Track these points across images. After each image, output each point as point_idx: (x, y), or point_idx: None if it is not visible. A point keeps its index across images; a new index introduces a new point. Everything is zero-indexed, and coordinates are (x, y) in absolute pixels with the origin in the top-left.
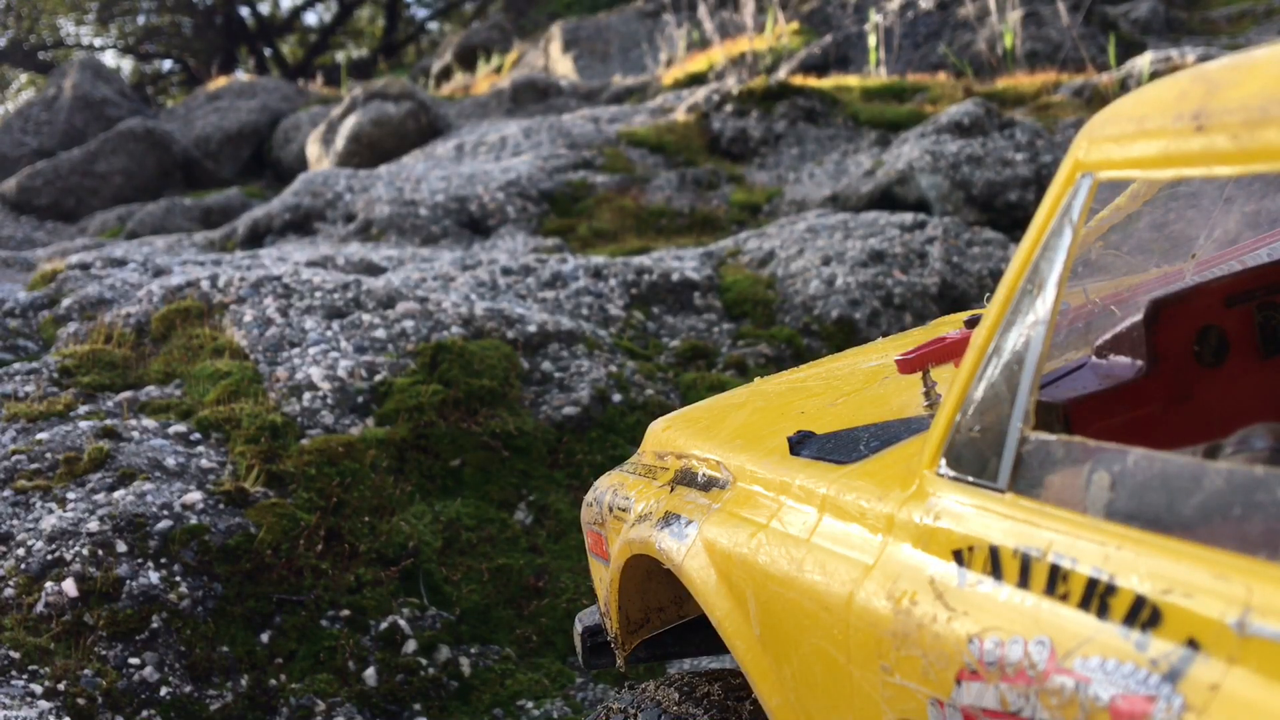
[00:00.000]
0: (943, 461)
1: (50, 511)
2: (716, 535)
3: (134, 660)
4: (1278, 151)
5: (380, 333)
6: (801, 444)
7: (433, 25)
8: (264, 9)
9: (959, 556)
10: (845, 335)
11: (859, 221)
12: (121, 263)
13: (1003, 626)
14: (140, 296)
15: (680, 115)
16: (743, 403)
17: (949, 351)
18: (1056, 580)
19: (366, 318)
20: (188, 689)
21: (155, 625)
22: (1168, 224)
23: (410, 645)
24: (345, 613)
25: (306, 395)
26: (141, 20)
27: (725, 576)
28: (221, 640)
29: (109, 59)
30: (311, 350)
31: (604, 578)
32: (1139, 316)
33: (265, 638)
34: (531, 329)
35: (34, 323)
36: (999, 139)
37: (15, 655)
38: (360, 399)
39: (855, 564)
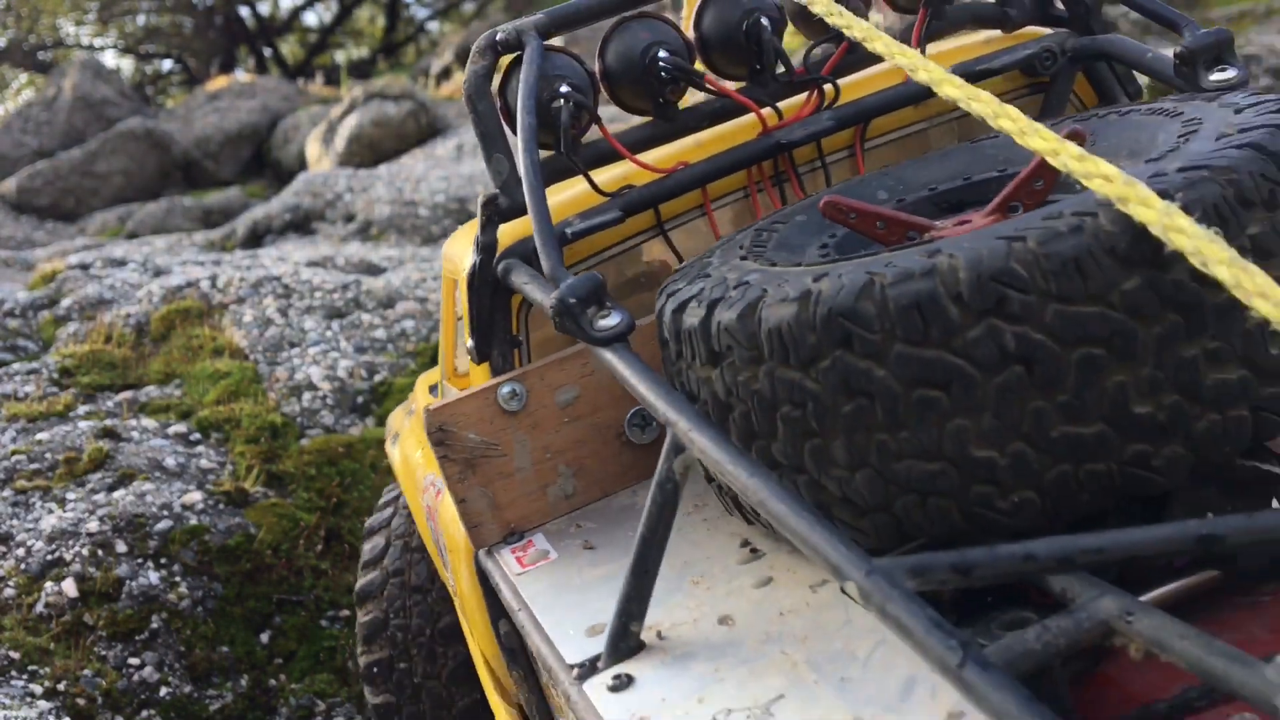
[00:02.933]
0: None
1: (50, 512)
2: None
3: (134, 660)
4: None
5: (380, 333)
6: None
7: (432, 25)
8: (264, 9)
9: None
10: None
11: None
12: (121, 263)
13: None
14: (140, 296)
15: None
16: None
17: None
18: None
19: (366, 318)
20: (187, 689)
21: (155, 625)
22: None
23: None
24: (345, 613)
25: (306, 395)
26: (141, 20)
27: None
28: (221, 640)
29: (109, 59)
30: (311, 350)
31: None
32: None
33: (265, 638)
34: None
35: (34, 323)
36: None
37: (15, 655)
38: (360, 399)
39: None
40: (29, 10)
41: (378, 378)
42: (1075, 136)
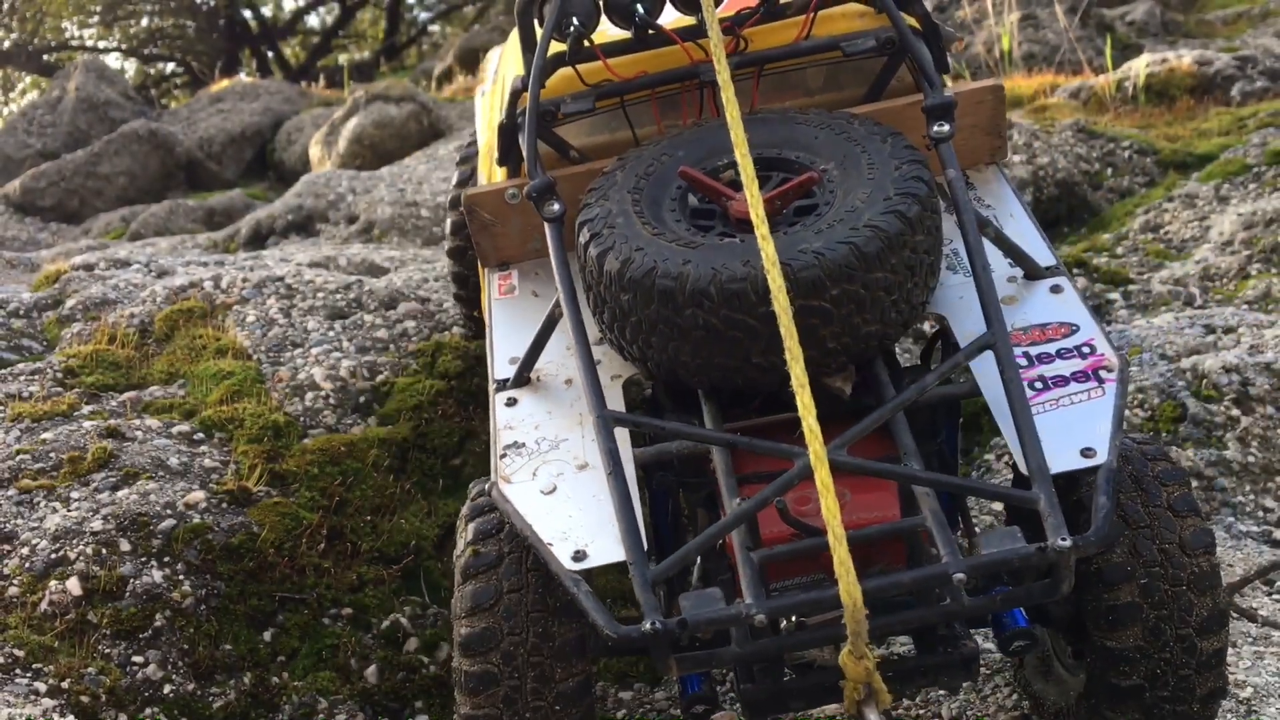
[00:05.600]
0: None
1: (54, 511)
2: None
3: (137, 659)
4: None
5: (382, 333)
6: None
7: (434, 28)
8: (266, 11)
9: None
10: None
11: None
12: (125, 263)
13: None
14: (144, 297)
15: None
16: None
17: None
18: None
19: (369, 318)
20: (190, 687)
21: (158, 624)
22: None
23: (412, 643)
24: (347, 611)
25: (309, 395)
26: (145, 23)
27: None
28: (224, 639)
29: (112, 61)
30: (314, 350)
31: None
32: None
33: (268, 636)
34: None
35: (38, 323)
36: None
37: (19, 654)
38: (362, 399)
39: None
40: (33, 12)
41: (380, 378)
42: (810, 180)
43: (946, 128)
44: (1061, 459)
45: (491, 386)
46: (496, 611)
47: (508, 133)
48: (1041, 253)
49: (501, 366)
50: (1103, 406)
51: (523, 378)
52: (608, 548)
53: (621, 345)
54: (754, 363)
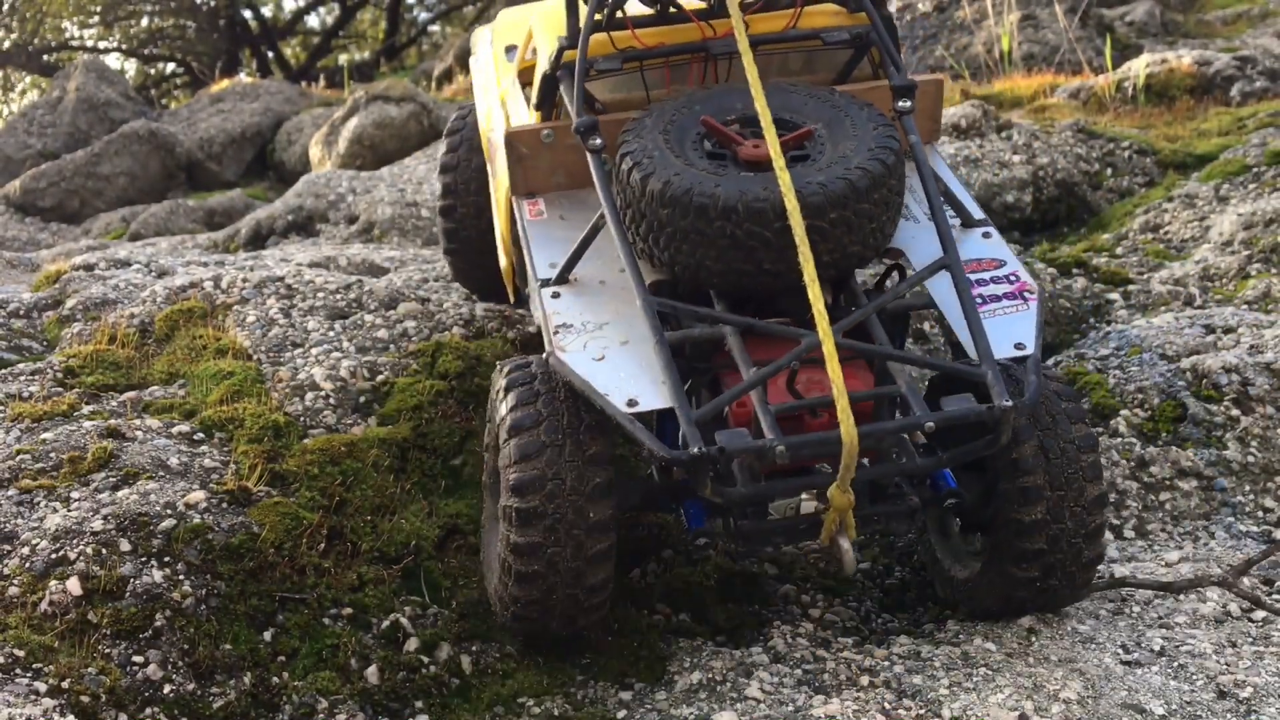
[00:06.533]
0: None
1: (54, 511)
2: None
3: (137, 658)
4: None
5: (382, 333)
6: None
7: (434, 28)
8: (266, 12)
9: None
10: None
11: None
12: (125, 264)
13: None
14: (144, 297)
15: None
16: None
17: None
18: None
19: (369, 318)
20: (191, 687)
21: (159, 623)
22: None
23: (412, 643)
24: (347, 611)
25: (309, 395)
26: (145, 23)
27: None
28: (224, 638)
29: (113, 61)
30: (314, 350)
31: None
32: None
33: (268, 636)
34: (532, 329)
35: (39, 323)
36: (996, 141)
37: (19, 654)
38: (362, 399)
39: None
40: (33, 12)
41: (380, 378)
42: (809, 132)
43: (909, 103)
44: (1001, 351)
45: (535, 284)
46: (541, 459)
47: (549, 82)
48: (973, 209)
49: (543, 269)
50: (1028, 316)
51: (564, 277)
52: (654, 399)
53: (653, 253)
54: (765, 269)
